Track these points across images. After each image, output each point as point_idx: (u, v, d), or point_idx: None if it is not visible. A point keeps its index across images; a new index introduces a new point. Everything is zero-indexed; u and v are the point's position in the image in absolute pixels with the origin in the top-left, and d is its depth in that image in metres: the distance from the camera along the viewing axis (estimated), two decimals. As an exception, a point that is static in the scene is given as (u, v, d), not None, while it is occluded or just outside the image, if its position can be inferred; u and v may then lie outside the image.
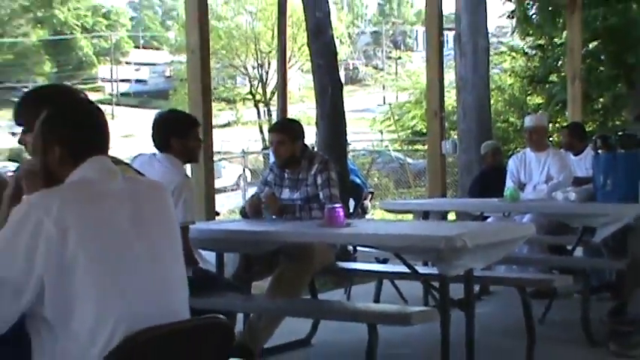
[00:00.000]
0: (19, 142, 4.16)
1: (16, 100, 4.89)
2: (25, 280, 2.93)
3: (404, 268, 6.31)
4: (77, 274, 2.95)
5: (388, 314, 5.43)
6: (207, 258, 7.07)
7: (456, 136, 14.47)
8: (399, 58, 57.58)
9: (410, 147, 33.19)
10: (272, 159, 7.58)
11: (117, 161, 4.19)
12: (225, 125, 47.98)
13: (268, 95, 42.84)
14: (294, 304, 6.26)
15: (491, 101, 17.27)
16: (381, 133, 37.12)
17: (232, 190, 29.33)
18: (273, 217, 7.07)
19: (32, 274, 2.93)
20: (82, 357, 2.96)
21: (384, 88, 49.03)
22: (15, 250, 2.94)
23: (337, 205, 6.33)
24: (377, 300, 7.92)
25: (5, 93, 56.24)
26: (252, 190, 10.73)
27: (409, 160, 29.74)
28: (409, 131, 34.44)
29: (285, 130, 7.17)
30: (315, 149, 12.24)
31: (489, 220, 8.83)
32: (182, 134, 6.26)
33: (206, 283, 6.34)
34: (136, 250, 3.12)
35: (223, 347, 3.31)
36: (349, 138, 14.09)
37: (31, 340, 3.08)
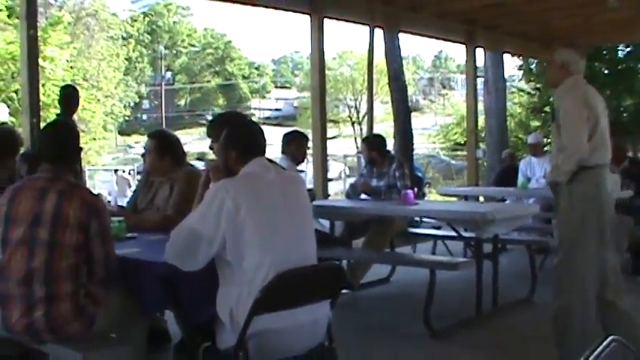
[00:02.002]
0: (210, 148, 4.22)
1: (202, 122, 4.96)
2: (214, 236, 3.01)
3: (452, 233, 6.25)
4: (246, 232, 3.01)
5: (442, 262, 5.42)
6: (324, 224, 7.11)
7: (484, 146, 14.32)
8: (446, 94, 57.21)
9: (453, 152, 33.03)
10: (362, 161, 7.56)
11: (270, 160, 4.23)
12: (332, 137, 48.47)
13: (360, 118, 43.16)
14: (379, 255, 6.24)
15: (507, 123, 17.16)
16: (434, 143, 37.08)
17: (336, 180, 29.45)
18: (367, 197, 7.06)
19: (219, 232, 3.01)
20: (249, 285, 2.99)
21: (435, 114, 48.78)
22: (208, 217, 3.04)
23: (409, 191, 6.31)
24: (433, 253, 7.87)
25: (195, 117, 57.41)
26: (349, 180, 10.77)
27: (452, 162, 29.70)
28: (452, 142, 34.59)
29: (373, 142, 7.15)
30: (393, 153, 12.42)
31: (507, 202, 8.74)
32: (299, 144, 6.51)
33: (323, 240, 6.34)
34: (283, 218, 3.13)
35: (338, 282, 3.28)
36: (414, 147, 14.08)
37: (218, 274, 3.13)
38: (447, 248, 8.16)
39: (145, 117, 58.45)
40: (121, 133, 44.97)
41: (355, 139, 41.69)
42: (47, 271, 3.09)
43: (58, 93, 7.09)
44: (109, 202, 21.49)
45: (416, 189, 13.54)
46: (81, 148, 6.71)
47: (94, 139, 27.25)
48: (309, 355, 3.22)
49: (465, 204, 7.60)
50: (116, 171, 25.34)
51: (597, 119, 4.06)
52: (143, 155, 4.88)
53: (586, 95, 4.10)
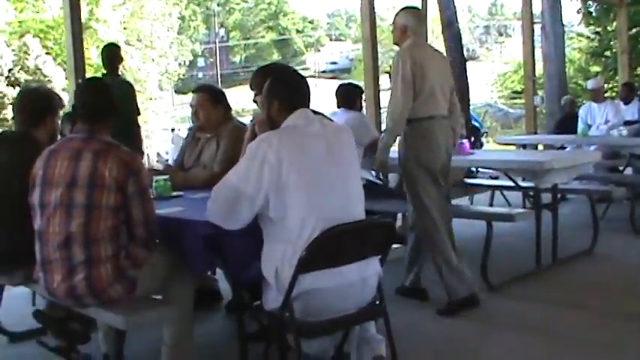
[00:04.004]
0: (254, 100, 4.11)
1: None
2: (256, 193, 2.91)
3: (509, 183, 6.04)
4: (290, 188, 2.90)
5: (499, 214, 5.21)
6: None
7: (542, 93, 13.95)
8: (502, 42, 56.10)
9: (511, 101, 32.40)
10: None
11: (315, 112, 4.07)
12: (387, 89, 47.86)
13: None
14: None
15: (566, 69, 16.74)
16: (492, 92, 36.42)
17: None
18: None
19: (261, 189, 2.91)
20: (294, 243, 2.89)
21: (492, 63, 47.82)
22: (250, 173, 2.93)
23: (465, 141, 6.11)
24: (491, 204, 7.67)
25: (251, 73, 57.40)
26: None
27: (510, 110, 29.14)
28: (510, 90, 33.99)
29: None
30: None
31: (567, 149, 8.46)
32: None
33: (377, 192, 6.19)
34: (328, 172, 3.00)
35: (388, 238, 3.13)
36: (471, 96, 13.78)
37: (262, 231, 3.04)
38: (505, 198, 7.96)
39: (200, 75, 58.65)
40: (177, 92, 45.21)
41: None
42: (86, 234, 3.00)
43: (100, 53, 7.04)
44: (166, 160, 21.78)
45: (472, 138, 13.38)
46: (137, 108, 6.78)
47: (150, 98, 27.38)
48: (358, 314, 3.10)
49: (523, 153, 7.35)
50: (173, 130, 25.48)
51: (425, 76, 4.50)
52: (195, 114, 4.76)
53: (417, 56, 4.53)
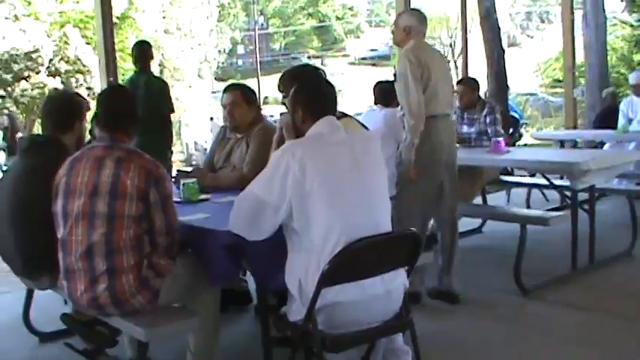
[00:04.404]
0: (282, 103, 4.05)
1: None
2: (280, 203, 2.86)
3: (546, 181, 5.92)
4: (313, 199, 2.84)
5: (533, 217, 5.07)
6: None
7: (584, 84, 13.66)
8: (544, 29, 55.26)
9: (552, 90, 31.90)
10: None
11: (343, 115, 4.02)
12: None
13: (455, 56, 42.30)
14: (468, 207, 5.96)
15: (608, 59, 16.30)
16: (533, 80, 35.91)
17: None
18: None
19: (284, 199, 2.86)
20: (318, 254, 2.84)
21: (534, 49, 47.17)
22: (273, 183, 2.88)
23: (500, 139, 6.01)
24: (527, 200, 7.53)
25: (290, 60, 57.38)
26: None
27: (551, 99, 28.68)
28: (551, 79, 33.47)
29: (467, 85, 6.80)
30: (488, 95, 12.04)
31: (606, 146, 8.27)
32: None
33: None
34: (353, 183, 2.93)
35: (414, 250, 3.04)
36: (510, 84, 13.58)
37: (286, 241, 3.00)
38: (543, 195, 7.81)
39: (240, 62, 58.80)
40: (217, 79, 45.43)
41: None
42: (108, 244, 2.97)
43: (131, 51, 7.03)
44: (204, 149, 21.80)
45: (511, 130, 13.18)
46: (171, 105, 6.77)
47: (189, 87, 27.55)
48: (383, 327, 3.04)
49: (560, 152, 7.06)
50: (212, 119, 25.59)
51: (430, 75, 4.59)
52: (229, 113, 4.71)
53: (422, 56, 4.62)
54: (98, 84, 6.06)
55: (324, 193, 2.85)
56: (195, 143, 24.92)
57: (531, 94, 29.14)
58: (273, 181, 2.88)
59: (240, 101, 4.65)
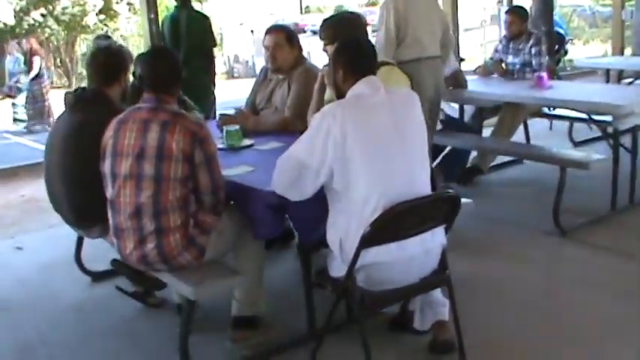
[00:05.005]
0: (323, 50, 4.07)
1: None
2: (321, 166, 2.93)
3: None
4: (354, 162, 2.90)
5: (573, 161, 5.02)
6: (454, 107, 6.89)
7: (633, 3, 13.23)
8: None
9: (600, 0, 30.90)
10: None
11: (384, 62, 4.04)
12: None
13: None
14: (508, 146, 5.99)
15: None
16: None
17: (477, 29, 27.93)
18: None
19: (325, 162, 2.92)
20: (358, 216, 2.92)
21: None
22: (314, 146, 2.94)
23: (543, 74, 5.95)
24: (570, 132, 7.46)
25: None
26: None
27: (599, 9, 27.80)
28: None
29: (516, 13, 6.69)
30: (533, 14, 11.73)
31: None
32: None
33: (451, 126, 6.13)
34: (393, 146, 2.97)
35: (453, 210, 3.09)
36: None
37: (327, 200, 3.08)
38: (589, 126, 7.71)
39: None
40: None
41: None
42: (155, 205, 3.08)
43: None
44: (246, 62, 21.65)
45: (557, 47, 12.88)
46: (213, 39, 6.79)
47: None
48: (421, 284, 3.15)
49: (603, 90, 6.78)
50: (252, 31, 25.37)
51: (407, 24, 5.17)
52: (271, 55, 4.73)
53: (400, 6, 5.18)
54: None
55: (365, 157, 2.90)
56: (236, 56, 24.82)
57: (578, 6, 28.24)
58: (314, 143, 2.94)
59: (283, 43, 4.65)
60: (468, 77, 6.37)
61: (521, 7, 7.12)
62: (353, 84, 3.10)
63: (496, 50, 6.92)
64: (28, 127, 12.74)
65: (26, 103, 12.81)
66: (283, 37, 4.67)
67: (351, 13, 4.65)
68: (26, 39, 13.65)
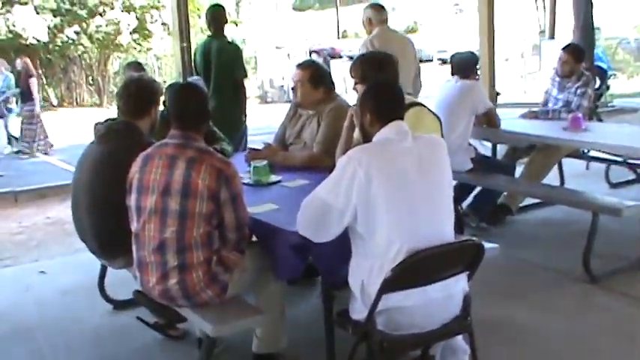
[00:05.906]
0: (354, 89, 4.15)
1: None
2: (345, 208, 2.99)
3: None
4: (378, 206, 2.96)
5: (606, 207, 5.03)
6: (487, 145, 6.94)
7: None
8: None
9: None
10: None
11: (412, 104, 4.11)
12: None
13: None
14: (539, 189, 6.01)
15: None
16: (625, 23, 34.72)
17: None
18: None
19: (350, 205, 2.98)
20: (381, 260, 2.98)
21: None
22: (339, 189, 3.00)
23: (579, 115, 6.01)
24: (607, 174, 7.44)
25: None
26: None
27: (645, 42, 27.70)
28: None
29: (573, 52, 6.72)
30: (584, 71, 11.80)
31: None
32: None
33: (484, 165, 6.18)
34: (418, 191, 3.03)
35: (476, 257, 3.15)
36: (603, 31, 13.26)
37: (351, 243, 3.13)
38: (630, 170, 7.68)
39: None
40: (295, 9, 45.09)
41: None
42: (179, 241, 3.18)
43: (205, 15, 7.14)
44: (280, 87, 21.75)
45: (599, 82, 12.85)
46: (244, 70, 6.92)
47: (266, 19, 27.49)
48: (442, 330, 3.19)
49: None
50: (289, 55, 25.65)
51: None
52: (293, 89, 4.88)
53: (381, 44, 5.95)
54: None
55: (389, 202, 2.97)
56: (271, 80, 25.06)
57: (623, 38, 28.13)
58: (339, 185, 3.01)
59: (305, 82, 4.77)
60: (509, 115, 6.45)
61: (577, 47, 7.16)
62: (380, 128, 3.17)
63: (546, 92, 6.99)
64: (22, 149, 13.03)
65: (22, 124, 13.09)
66: (307, 76, 4.79)
67: (384, 53, 4.76)
68: (20, 58, 13.80)
